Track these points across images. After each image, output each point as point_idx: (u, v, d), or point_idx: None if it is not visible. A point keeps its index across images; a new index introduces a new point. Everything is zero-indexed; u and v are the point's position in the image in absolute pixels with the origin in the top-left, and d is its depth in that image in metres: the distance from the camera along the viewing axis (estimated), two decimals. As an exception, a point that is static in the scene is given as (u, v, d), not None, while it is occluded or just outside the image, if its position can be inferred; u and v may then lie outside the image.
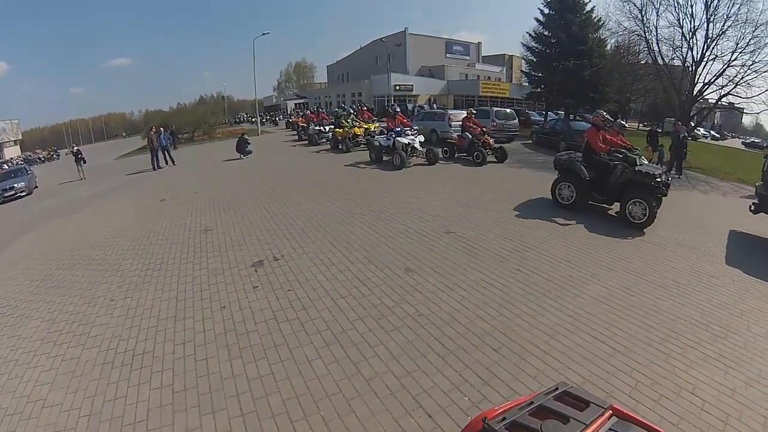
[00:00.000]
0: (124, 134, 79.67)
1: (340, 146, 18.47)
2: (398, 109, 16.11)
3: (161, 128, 20.66)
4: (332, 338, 4.13)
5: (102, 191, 14.62)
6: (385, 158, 14.58)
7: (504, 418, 1.69)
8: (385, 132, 14.96)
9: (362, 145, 17.90)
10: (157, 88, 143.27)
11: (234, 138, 24.27)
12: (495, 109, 23.18)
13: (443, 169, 13.76)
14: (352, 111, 21.70)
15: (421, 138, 14.53)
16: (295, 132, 27.96)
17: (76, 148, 22.54)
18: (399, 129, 14.25)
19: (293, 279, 5.54)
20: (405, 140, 13.88)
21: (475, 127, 15.13)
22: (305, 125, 25.22)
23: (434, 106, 36.58)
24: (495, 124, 20.70)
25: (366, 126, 18.99)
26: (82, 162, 19.97)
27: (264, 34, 34.52)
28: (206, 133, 35.22)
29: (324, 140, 21.36)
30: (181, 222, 8.87)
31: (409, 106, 35.57)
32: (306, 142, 23.11)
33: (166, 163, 19.12)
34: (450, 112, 21.36)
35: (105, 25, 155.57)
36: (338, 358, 3.82)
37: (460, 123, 20.15)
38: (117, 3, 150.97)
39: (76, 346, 4.48)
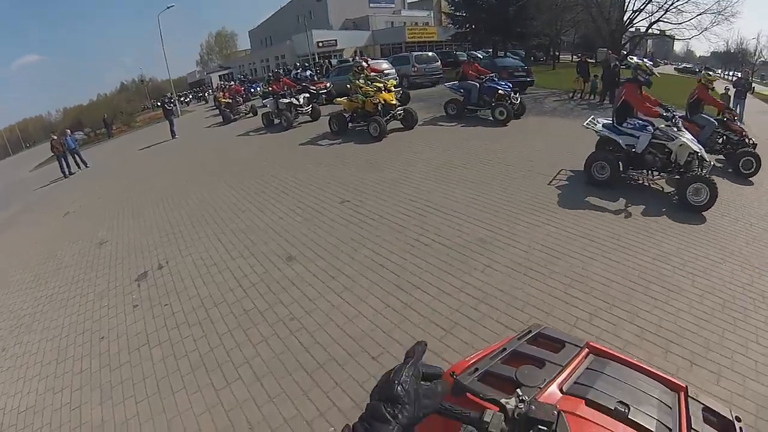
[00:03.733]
0: (27, 145, 70.96)
1: (361, 127, 11.89)
2: (649, 64, 7.56)
3: (67, 130, 19.11)
4: (198, 361, 3.78)
5: (7, 216, 13.32)
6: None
7: (476, 369, 1.60)
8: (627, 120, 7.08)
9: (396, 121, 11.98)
10: (74, 82, 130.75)
11: (156, 123, 23.25)
12: (414, 53, 22.43)
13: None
14: (365, 63, 12.56)
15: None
16: (218, 111, 22.51)
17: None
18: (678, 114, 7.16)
19: (172, 290, 5.14)
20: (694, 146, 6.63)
21: (730, 109, 9.88)
22: (230, 101, 21.42)
23: (356, 58, 35.48)
24: (416, 69, 20.26)
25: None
26: (-15, 184, 18.40)
27: (168, 7, 31.73)
28: (125, 123, 33.06)
29: (295, 118, 15.08)
30: (79, 238, 8.16)
31: (333, 62, 34.04)
32: (229, 121, 19.21)
33: (78, 167, 17.79)
34: (372, 61, 20.43)
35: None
36: (201, 386, 3.49)
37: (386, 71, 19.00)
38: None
39: (-35, 418, 3.99)
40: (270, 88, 19.55)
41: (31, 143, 71.58)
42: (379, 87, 11.55)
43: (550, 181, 7.41)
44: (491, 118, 12.18)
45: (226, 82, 35.85)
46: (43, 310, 5.68)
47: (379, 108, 11.44)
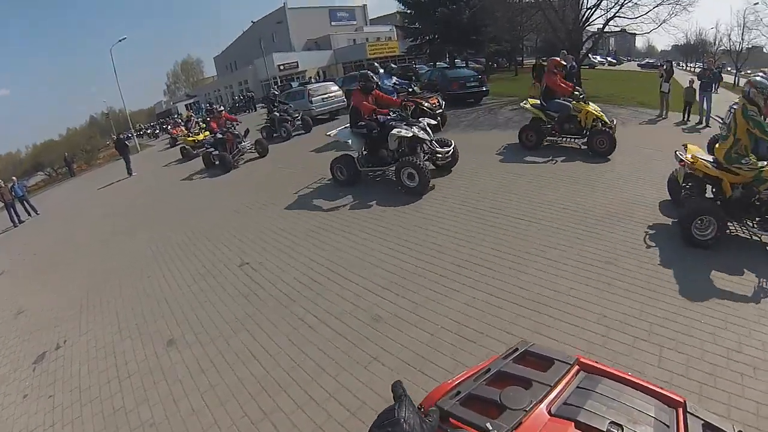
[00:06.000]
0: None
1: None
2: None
3: (13, 177, 18.46)
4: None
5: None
6: None
7: (458, 392, 1.57)
8: None
9: None
10: (44, 116, 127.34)
11: (115, 160, 22.79)
12: (362, 72, 22.01)
13: None
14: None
15: None
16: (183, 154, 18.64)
17: None
18: None
19: (60, 378, 4.72)
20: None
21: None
22: (221, 137, 13.87)
23: (315, 79, 35.54)
24: None
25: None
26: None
27: (120, 40, 30.87)
28: (86, 161, 32.25)
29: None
30: (1, 305, 7.68)
31: (294, 84, 33.58)
32: (228, 168, 13.06)
33: (28, 214, 17.11)
34: (309, 87, 19.74)
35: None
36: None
37: (327, 95, 17.93)
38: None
39: None
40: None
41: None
42: None
43: None
44: None
45: (197, 110, 34.14)
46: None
47: None
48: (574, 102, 9.29)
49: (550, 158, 9.05)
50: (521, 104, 10.42)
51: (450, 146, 8.43)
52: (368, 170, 8.74)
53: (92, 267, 8.20)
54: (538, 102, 9.85)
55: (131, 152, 22.07)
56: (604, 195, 6.89)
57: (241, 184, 11.72)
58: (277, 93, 18.01)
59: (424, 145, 8.11)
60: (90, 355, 5.02)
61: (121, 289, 6.72)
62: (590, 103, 9.42)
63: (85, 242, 10.20)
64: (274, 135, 16.71)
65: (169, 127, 31.92)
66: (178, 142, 22.05)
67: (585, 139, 9.18)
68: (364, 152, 8.64)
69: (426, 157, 8.13)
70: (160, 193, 13.57)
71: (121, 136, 23.82)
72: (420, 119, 8.22)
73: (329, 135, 9.05)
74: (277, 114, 16.79)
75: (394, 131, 7.79)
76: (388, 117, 8.21)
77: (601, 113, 9.23)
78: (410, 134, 7.80)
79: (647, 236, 5.46)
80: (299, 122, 16.80)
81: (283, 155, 13.95)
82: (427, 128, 8.14)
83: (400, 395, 1.16)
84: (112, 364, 4.71)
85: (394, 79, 12.44)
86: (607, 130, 8.83)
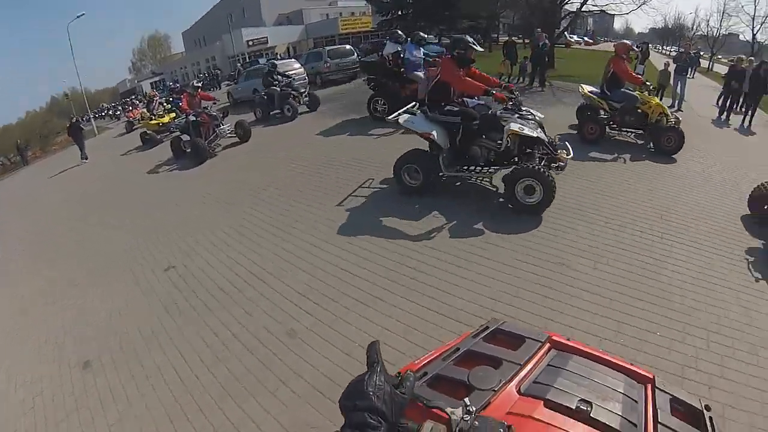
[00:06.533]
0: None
1: None
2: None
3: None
4: None
5: None
6: None
7: (425, 373, 1.51)
8: None
9: None
10: (3, 99, 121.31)
11: (71, 145, 21.35)
12: (328, 48, 21.70)
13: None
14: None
15: None
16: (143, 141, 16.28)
17: None
18: None
19: None
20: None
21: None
22: (197, 119, 11.18)
23: (280, 56, 34.24)
24: (328, 65, 19.41)
25: None
26: None
27: (78, 16, 28.80)
28: (41, 148, 30.59)
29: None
30: None
31: (261, 61, 31.26)
32: (203, 159, 10.90)
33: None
34: (279, 62, 17.29)
35: None
36: None
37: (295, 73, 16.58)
38: None
39: None
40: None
41: None
42: None
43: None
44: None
45: (162, 89, 31.98)
46: None
47: None
48: (639, 93, 8.54)
49: (616, 155, 8.17)
50: (579, 90, 9.48)
51: (569, 152, 6.04)
52: (455, 174, 6.29)
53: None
54: (597, 89, 8.97)
55: (87, 137, 20.73)
56: (694, 203, 6.26)
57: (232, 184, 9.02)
58: (277, 63, 15.38)
59: (541, 148, 5.98)
60: (10, 382, 4.55)
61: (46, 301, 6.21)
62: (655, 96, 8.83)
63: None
64: (272, 113, 13.96)
65: (129, 108, 28.96)
66: (136, 127, 20.35)
67: (643, 134, 8.61)
68: (449, 148, 6.14)
69: (543, 163, 5.81)
70: (120, 182, 12.26)
71: (75, 121, 22.28)
72: (530, 110, 6.12)
73: (391, 120, 6.30)
74: (278, 89, 13.57)
75: (513, 126, 5.62)
76: (480, 102, 6.14)
77: (666, 108, 8.55)
78: (534, 135, 5.69)
79: (749, 264, 4.70)
80: (307, 99, 14.16)
81: (282, 139, 11.64)
82: (542, 125, 6.17)
83: (374, 362, 1.06)
84: (28, 393, 4.23)
85: (422, 50, 10.13)
86: (675, 126, 8.20)
